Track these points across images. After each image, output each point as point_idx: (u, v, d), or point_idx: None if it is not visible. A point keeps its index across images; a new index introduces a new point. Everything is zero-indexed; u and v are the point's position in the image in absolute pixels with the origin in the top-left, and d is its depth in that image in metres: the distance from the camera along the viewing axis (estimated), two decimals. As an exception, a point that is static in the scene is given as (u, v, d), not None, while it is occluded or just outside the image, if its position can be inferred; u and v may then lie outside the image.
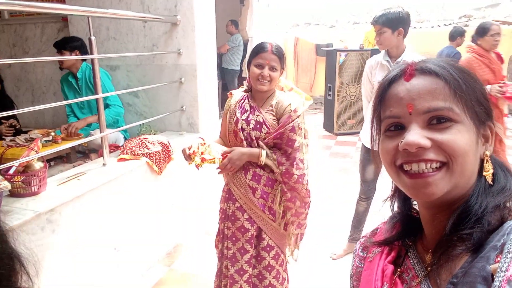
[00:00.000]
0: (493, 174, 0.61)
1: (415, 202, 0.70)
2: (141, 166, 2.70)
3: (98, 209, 2.28)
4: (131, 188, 2.58)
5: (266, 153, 1.88)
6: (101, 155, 2.64)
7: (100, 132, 2.55)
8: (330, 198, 3.85)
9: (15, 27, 4.15)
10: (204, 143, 1.92)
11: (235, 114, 1.95)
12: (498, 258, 0.50)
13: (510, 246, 0.49)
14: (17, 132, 3.16)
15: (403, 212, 0.71)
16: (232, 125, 1.95)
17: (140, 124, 3.33)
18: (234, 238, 2.01)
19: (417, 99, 0.58)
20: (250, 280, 2.02)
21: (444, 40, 5.82)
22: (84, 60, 3.17)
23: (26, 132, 3.10)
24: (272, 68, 1.86)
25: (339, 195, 3.92)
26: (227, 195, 2.05)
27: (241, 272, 2.01)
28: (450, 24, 8.68)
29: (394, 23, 2.32)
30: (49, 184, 2.19)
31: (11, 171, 2.03)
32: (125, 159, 2.69)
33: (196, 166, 1.87)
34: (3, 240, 0.62)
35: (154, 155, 2.77)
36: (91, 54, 2.43)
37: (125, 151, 2.74)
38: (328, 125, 6.75)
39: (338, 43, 8.60)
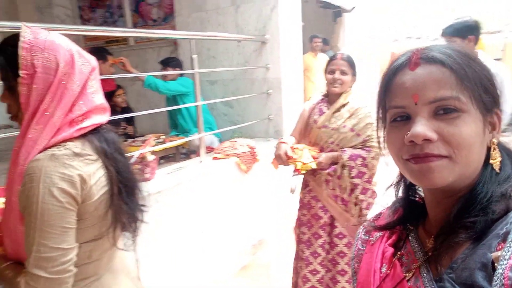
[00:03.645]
0: (500, 161, 0.60)
1: (420, 188, 0.70)
2: (231, 164, 3.14)
3: (194, 196, 2.76)
4: (222, 182, 3.03)
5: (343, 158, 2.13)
6: (199, 155, 3.15)
7: (199, 134, 3.07)
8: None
9: (138, 51, 5.05)
10: (299, 148, 2.20)
11: (314, 116, 2.26)
12: (500, 246, 0.50)
13: None
14: (133, 136, 3.89)
15: (407, 197, 0.71)
16: (311, 124, 2.26)
17: (233, 131, 3.82)
18: (309, 224, 2.29)
19: (422, 89, 0.57)
20: (323, 263, 2.26)
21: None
22: (181, 75, 3.79)
23: (142, 136, 3.82)
24: (343, 72, 2.16)
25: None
26: (304, 185, 2.35)
27: (315, 255, 2.27)
28: None
29: (463, 32, 2.42)
30: (158, 174, 2.74)
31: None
32: (218, 158, 3.16)
33: (297, 170, 2.15)
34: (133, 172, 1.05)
35: (242, 156, 3.19)
36: (192, 69, 2.96)
37: (218, 151, 3.22)
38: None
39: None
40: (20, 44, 0.90)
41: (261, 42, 3.76)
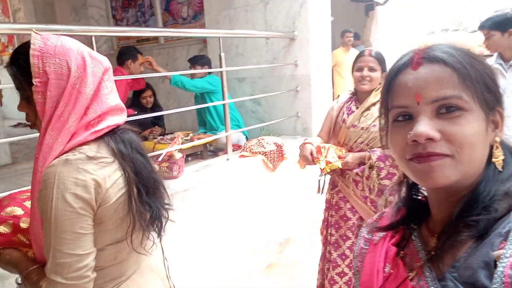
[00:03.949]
0: (503, 160, 0.60)
1: (423, 187, 0.70)
2: (258, 162, 3.13)
3: (220, 194, 2.77)
4: (248, 180, 3.02)
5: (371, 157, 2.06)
6: (226, 153, 3.15)
7: (226, 132, 3.07)
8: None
9: (168, 50, 5.12)
10: (324, 147, 2.16)
11: (343, 115, 2.21)
12: (502, 245, 0.51)
13: None
14: (161, 134, 3.95)
15: (410, 196, 0.71)
16: (340, 124, 2.20)
17: (260, 128, 3.80)
18: (337, 226, 2.24)
19: (425, 88, 0.57)
20: (351, 265, 2.21)
21: None
22: (210, 73, 3.80)
23: (170, 133, 3.87)
24: (371, 69, 2.08)
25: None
26: (331, 187, 2.29)
27: (343, 257, 2.22)
28: None
29: (503, 25, 2.29)
30: (186, 172, 2.77)
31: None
32: (245, 156, 3.16)
33: (321, 169, 2.10)
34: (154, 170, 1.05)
35: (269, 153, 3.17)
36: (220, 67, 2.96)
37: (245, 149, 3.21)
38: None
39: (477, 49, 7.92)
40: (31, 52, 0.89)
41: (289, 39, 3.72)
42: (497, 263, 0.49)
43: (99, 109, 0.96)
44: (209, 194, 2.67)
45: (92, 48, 1.16)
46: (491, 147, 0.60)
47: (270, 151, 3.18)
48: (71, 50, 0.94)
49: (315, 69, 3.71)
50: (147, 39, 5.30)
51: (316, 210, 3.38)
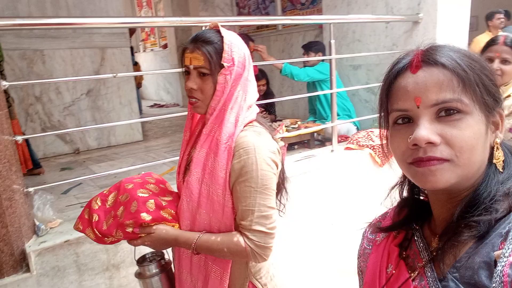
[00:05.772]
0: (503, 161, 0.60)
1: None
2: (364, 156, 2.95)
3: (321, 186, 2.69)
4: (353, 174, 2.88)
5: None
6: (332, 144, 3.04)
7: (332, 122, 2.96)
8: None
9: (285, 36, 5.13)
10: None
11: None
12: (502, 245, 0.51)
13: None
14: (272, 121, 4.00)
15: (412, 196, 0.71)
16: None
17: (372, 120, 3.57)
18: None
19: (424, 92, 0.57)
20: None
21: None
22: (323, 60, 3.67)
23: (280, 120, 3.90)
24: (504, 61, 1.78)
25: None
26: None
27: None
28: None
29: None
30: (287, 160, 2.76)
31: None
32: (351, 148, 3.00)
33: None
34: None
35: (378, 147, 2.96)
36: (330, 55, 2.84)
37: (352, 141, 3.05)
38: None
39: None
40: (225, 40, 1.04)
41: (412, 23, 3.36)
42: (497, 262, 0.49)
43: (253, 94, 1.13)
44: (309, 185, 2.63)
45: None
46: (492, 148, 0.61)
47: (379, 145, 2.95)
48: (244, 44, 1.10)
49: (441, 56, 3.30)
50: (266, 26, 5.40)
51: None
